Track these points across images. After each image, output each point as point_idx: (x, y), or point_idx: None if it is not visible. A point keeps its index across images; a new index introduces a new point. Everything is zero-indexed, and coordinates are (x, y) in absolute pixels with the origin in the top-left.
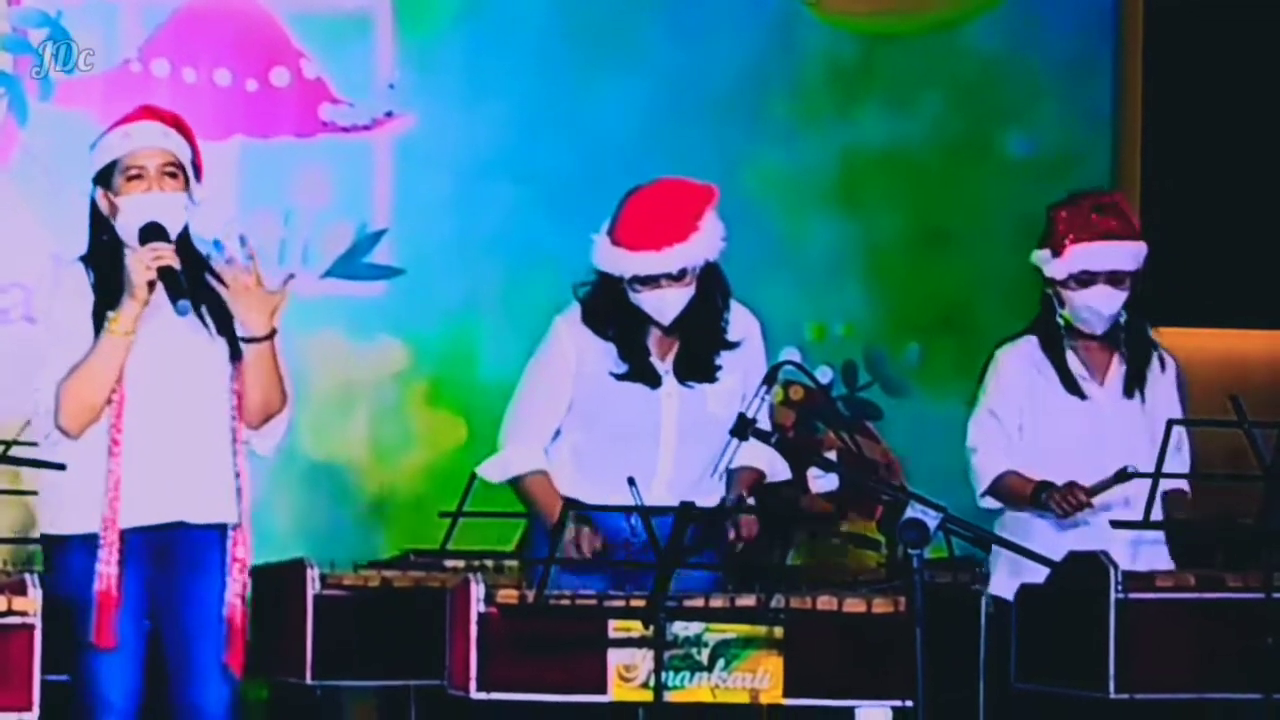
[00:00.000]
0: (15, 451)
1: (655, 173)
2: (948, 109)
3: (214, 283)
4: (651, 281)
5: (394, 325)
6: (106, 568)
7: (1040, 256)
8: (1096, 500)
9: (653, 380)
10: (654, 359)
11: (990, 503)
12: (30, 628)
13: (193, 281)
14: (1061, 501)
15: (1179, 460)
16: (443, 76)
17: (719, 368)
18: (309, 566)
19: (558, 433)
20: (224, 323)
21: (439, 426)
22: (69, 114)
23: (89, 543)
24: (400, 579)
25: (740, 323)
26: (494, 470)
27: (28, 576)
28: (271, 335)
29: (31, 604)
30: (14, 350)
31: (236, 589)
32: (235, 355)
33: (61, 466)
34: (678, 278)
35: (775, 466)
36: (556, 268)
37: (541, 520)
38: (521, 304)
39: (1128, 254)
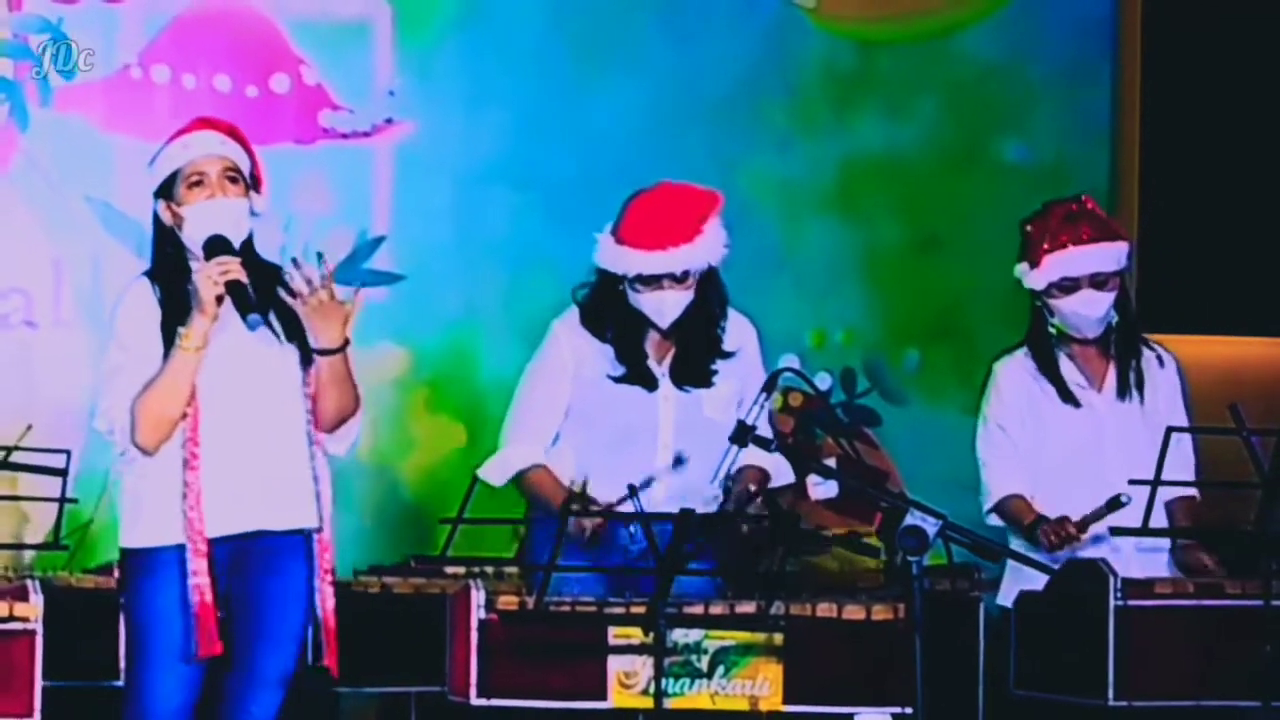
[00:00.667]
0: (15, 457)
1: (654, 179)
2: (945, 116)
3: (286, 297)
4: (653, 282)
5: (394, 331)
6: (200, 579)
7: (1020, 270)
8: (1086, 534)
9: (649, 383)
10: (650, 362)
11: (994, 519)
12: (32, 633)
13: (259, 290)
14: (1049, 535)
15: (1181, 460)
16: (442, 83)
17: (714, 373)
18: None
19: (556, 437)
20: (294, 328)
21: (439, 432)
22: (69, 119)
23: (172, 555)
24: (401, 585)
25: (737, 332)
26: (494, 471)
27: (29, 582)
28: (345, 346)
29: (33, 610)
30: (14, 355)
31: (328, 591)
32: (306, 360)
33: (62, 473)
34: (680, 279)
35: (780, 469)
36: (556, 273)
37: (546, 512)
38: (521, 309)
39: (1105, 256)
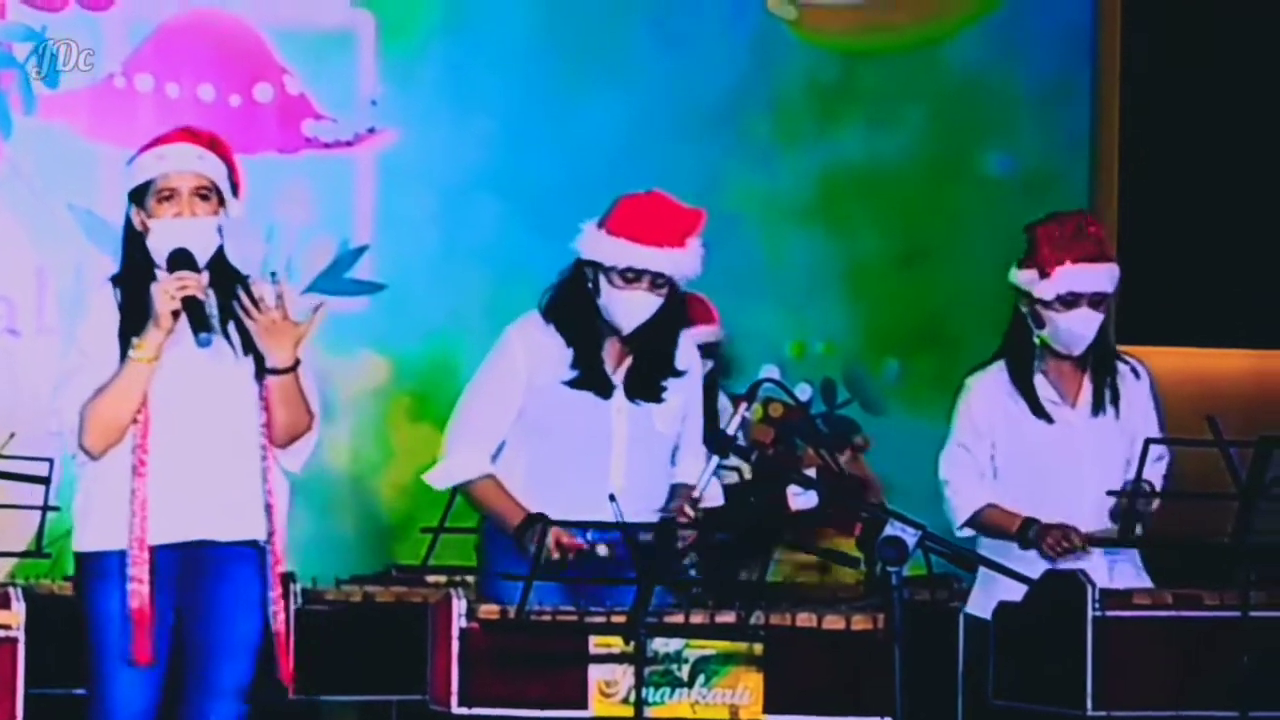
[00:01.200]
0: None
1: (637, 188)
2: (927, 127)
3: (241, 314)
4: (635, 278)
5: (376, 340)
6: (139, 585)
7: (1024, 277)
8: (1091, 550)
9: (604, 389)
10: (607, 368)
11: (968, 533)
12: (14, 641)
13: (223, 302)
14: (1055, 545)
15: (1157, 467)
16: (425, 92)
17: (665, 389)
18: (291, 581)
19: (502, 446)
20: (251, 340)
21: (421, 442)
22: (53, 127)
23: (118, 560)
24: (382, 594)
25: (686, 351)
26: (439, 477)
27: (11, 590)
28: (295, 366)
29: (15, 617)
30: None
31: (281, 604)
32: (262, 372)
33: (46, 480)
34: (657, 283)
35: (712, 490)
36: (539, 282)
37: (496, 524)
38: (504, 319)
39: (1108, 276)
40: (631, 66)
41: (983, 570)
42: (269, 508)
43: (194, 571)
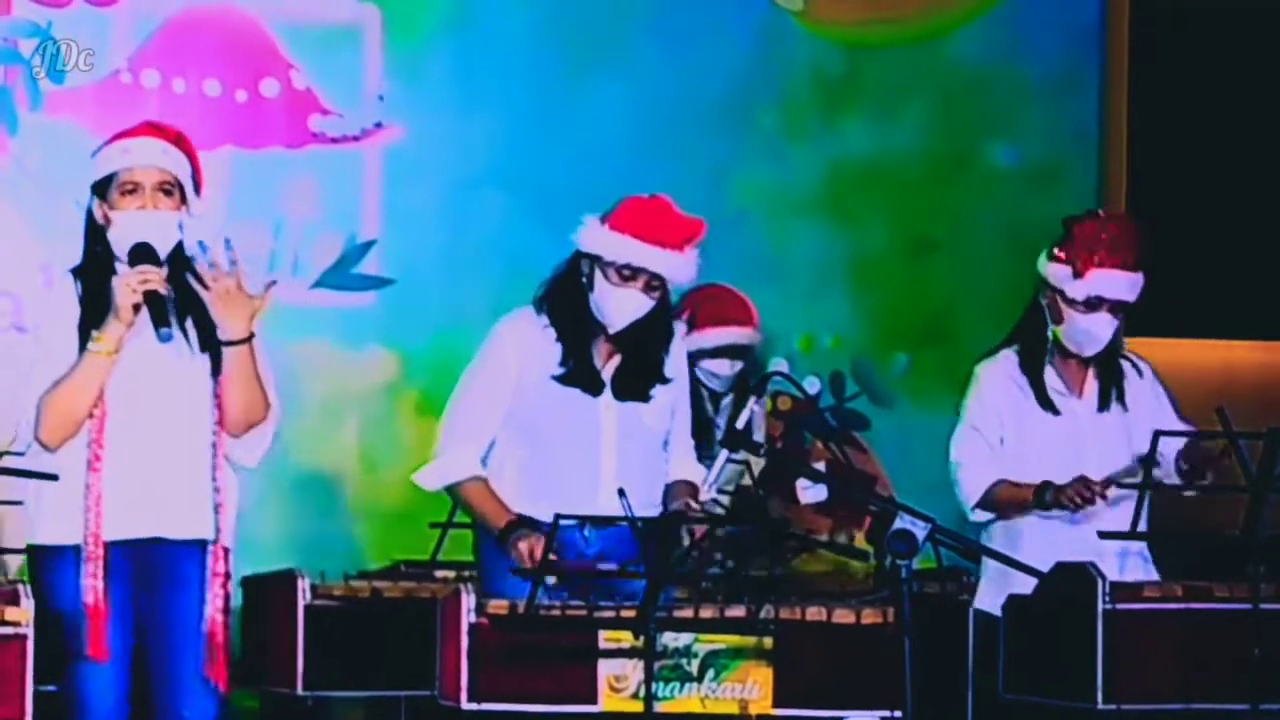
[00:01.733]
0: (4, 462)
1: (643, 183)
2: (934, 120)
3: (195, 285)
4: (631, 276)
5: (384, 335)
6: (92, 581)
7: (1054, 270)
8: (1110, 493)
9: (594, 386)
10: (596, 364)
11: (981, 515)
12: (23, 638)
13: (181, 298)
14: (1074, 497)
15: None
16: (431, 87)
17: (653, 392)
18: (299, 577)
19: (493, 443)
20: (208, 339)
21: (429, 436)
22: (59, 124)
23: (74, 555)
24: (391, 589)
25: (677, 363)
26: (430, 477)
27: (20, 587)
28: (249, 339)
29: (24, 614)
30: (3, 359)
31: (217, 604)
32: (217, 371)
33: (54, 477)
34: (652, 284)
35: (702, 479)
36: (545, 277)
37: (481, 526)
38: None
39: (1135, 286)
40: (637, 61)
41: (991, 564)
42: (217, 507)
43: (149, 567)
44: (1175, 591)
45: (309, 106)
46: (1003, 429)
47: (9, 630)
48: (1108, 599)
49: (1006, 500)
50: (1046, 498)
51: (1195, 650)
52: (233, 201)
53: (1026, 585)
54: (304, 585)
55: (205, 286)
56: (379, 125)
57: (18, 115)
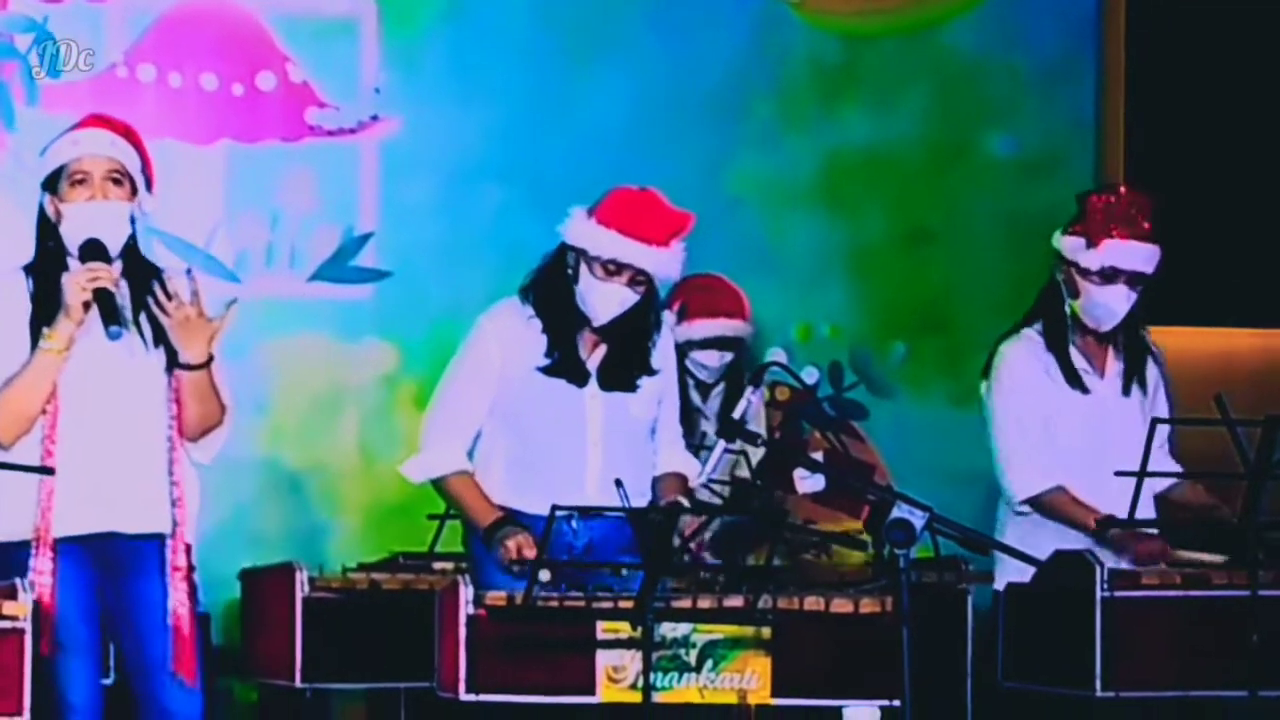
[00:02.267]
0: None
1: (640, 173)
2: (931, 109)
3: (156, 310)
4: (616, 271)
5: (382, 328)
6: (40, 578)
7: (1069, 243)
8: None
9: (579, 377)
10: (581, 355)
11: (1026, 509)
12: (21, 632)
13: (136, 291)
14: (1145, 556)
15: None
16: (428, 79)
17: (639, 383)
18: (297, 569)
19: (478, 437)
20: (162, 332)
21: None
22: (56, 119)
23: (26, 552)
24: (389, 581)
25: (665, 353)
26: (415, 470)
27: (18, 581)
28: (208, 363)
29: (22, 609)
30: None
31: (179, 597)
32: (172, 365)
33: (50, 471)
34: (637, 279)
35: (692, 470)
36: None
37: (465, 521)
38: None
39: (1151, 258)
40: (634, 51)
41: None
42: (175, 501)
43: (109, 562)
44: (1174, 578)
45: (305, 100)
46: (1044, 410)
47: (7, 624)
48: (1106, 586)
49: (1063, 514)
50: (1110, 535)
51: (1193, 637)
52: (230, 195)
53: (1027, 572)
54: (302, 577)
55: (165, 313)
56: (375, 118)
57: (14, 110)
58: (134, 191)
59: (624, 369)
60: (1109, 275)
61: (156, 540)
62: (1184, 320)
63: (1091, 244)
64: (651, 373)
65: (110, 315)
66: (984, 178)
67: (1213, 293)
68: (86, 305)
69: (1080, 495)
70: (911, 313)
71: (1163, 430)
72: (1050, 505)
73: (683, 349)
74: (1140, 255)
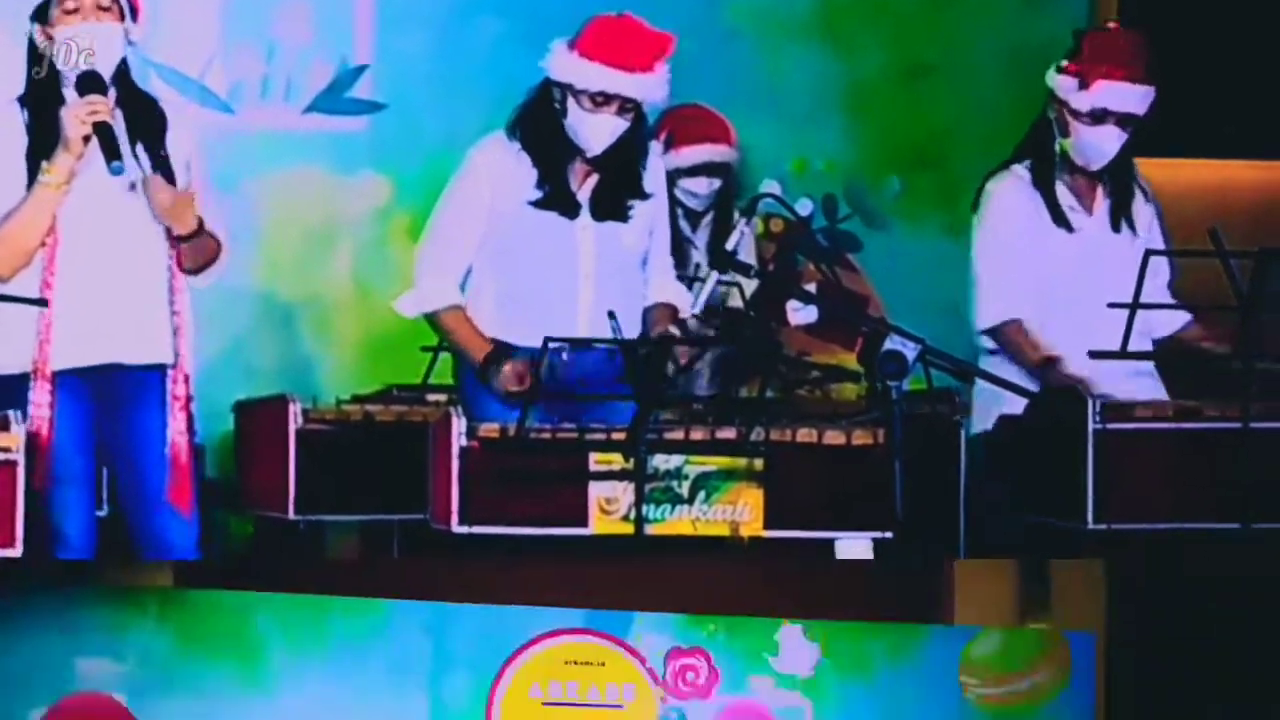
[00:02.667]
0: None
1: (638, 4)
2: None
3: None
4: (604, 102)
5: (376, 160)
6: (37, 410)
7: (1062, 82)
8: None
9: (570, 209)
10: (572, 187)
11: (987, 342)
12: (13, 464)
13: (130, 121)
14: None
15: (1156, 287)
16: None
17: (631, 208)
18: (291, 401)
19: (469, 270)
20: (160, 160)
21: None
22: None
23: (21, 382)
24: (383, 413)
25: (655, 177)
26: (409, 305)
27: (10, 413)
28: (200, 228)
29: (14, 439)
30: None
31: (179, 426)
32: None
33: (44, 303)
34: (626, 106)
35: (683, 299)
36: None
37: (459, 354)
38: None
39: (1143, 99)
40: None
41: (982, 385)
42: (175, 331)
43: (108, 394)
44: (1166, 411)
45: None
46: (1022, 246)
47: (0, 456)
48: (1098, 419)
49: (1014, 346)
50: (1048, 373)
51: (1186, 470)
52: (225, 26)
53: (1019, 405)
54: (296, 409)
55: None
56: None
57: None
58: (122, 16)
59: (616, 196)
60: (1099, 116)
61: (158, 371)
62: (1180, 152)
63: (1084, 85)
64: (644, 196)
65: (110, 150)
66: (982, 11)
67: (1210, 124)
68: (86, 139)
69: (1068, 333)
70: (909, 147)
71: (1164, 274)
72: (1004, 335)
73: (671, 177)
74: (1132, 96)
